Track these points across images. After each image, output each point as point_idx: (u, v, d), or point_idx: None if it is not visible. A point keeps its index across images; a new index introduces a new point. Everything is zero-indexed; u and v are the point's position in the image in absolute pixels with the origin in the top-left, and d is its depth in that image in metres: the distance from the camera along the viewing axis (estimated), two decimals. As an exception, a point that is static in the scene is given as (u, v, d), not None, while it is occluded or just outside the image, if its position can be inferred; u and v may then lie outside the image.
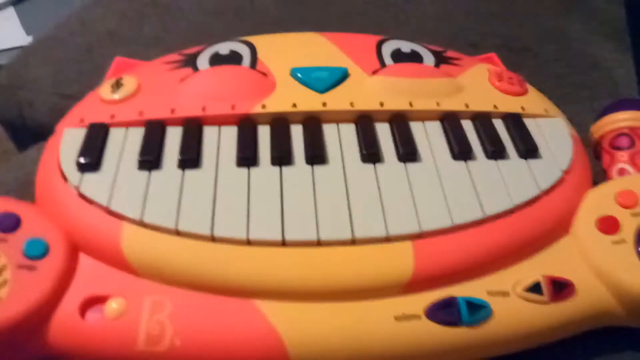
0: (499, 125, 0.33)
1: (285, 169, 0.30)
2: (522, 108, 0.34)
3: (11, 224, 0.28)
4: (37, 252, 0.27)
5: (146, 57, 0.39)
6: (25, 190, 0.32)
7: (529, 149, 0.32)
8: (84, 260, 0.28)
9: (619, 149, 0.34)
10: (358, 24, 0.50)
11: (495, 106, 0.34)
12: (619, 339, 0.30)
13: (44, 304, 0.26)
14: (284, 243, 0.27)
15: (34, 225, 0.28)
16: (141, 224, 0.27)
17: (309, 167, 0.30)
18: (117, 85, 0.33)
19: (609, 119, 0.35)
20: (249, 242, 0.27)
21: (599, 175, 0.35)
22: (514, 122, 0.33)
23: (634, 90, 0.45)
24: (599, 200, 0.30)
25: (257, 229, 0.27)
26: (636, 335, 0.30)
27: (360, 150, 0.31)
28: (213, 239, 0.27)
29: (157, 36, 0.48)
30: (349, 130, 0.32)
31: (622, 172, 0.33)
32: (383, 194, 0.29)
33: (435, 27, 0.50)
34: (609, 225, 0.29)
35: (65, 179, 0.29)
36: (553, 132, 0.33)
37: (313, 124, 0.32)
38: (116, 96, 0.33)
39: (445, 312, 0.26)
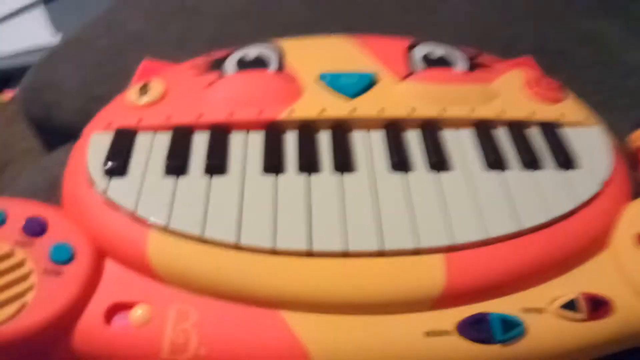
0: (535, 133, 0.32)
1: (312, 176, 0.30)
2: (560, 116, 0.33)
3: (37, 228, 0.28)
4: (63, 257, 0.27)
5: (173, 59, 0.39)
6: (52, 193, 0.32)
7: (566, 159, 0.30)
8: (110, 266, 0.28)
9: (660, 159, 0.33)
10: (388, 24, 0.49)
11: (531, 114, 0.33)
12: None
13: (70, 309, 0.26)
14: (310, 253, 0.27)
15: (60, 230, 0.28)
16: (167, 230, 0.27)
17: (337, 175, 0.30)
18: (144, 89, 0.33)
19: (650, 128, 0.34)
20: (275, 252, 0.27)
21: (639, 187, 0.33)
22: (551, 130, 0.32)
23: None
24: (638, 215, 0.29)
25: (283, 238, 0.27)
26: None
27: (390, 159, 0.30)
28: (239, 247, 0.27)
29: (184, 37, 0.47)
30: (378, 138, 0.32)
31: (664, 184, 0.32)
32: (413, 204, 0.28)
33: (467, 28, 0.48)
34: (650, 240, 0.28)
35: (91, 183, 0.29)
36: (591, 141, 0.32)
37: (341, 130, 0.32)
38: (143, 100, 0.33)
39: (477, 329, 0.25)
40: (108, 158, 0.30)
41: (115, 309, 0.26)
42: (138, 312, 0.26)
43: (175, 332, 0.25)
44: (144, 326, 0.26)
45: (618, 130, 0.37)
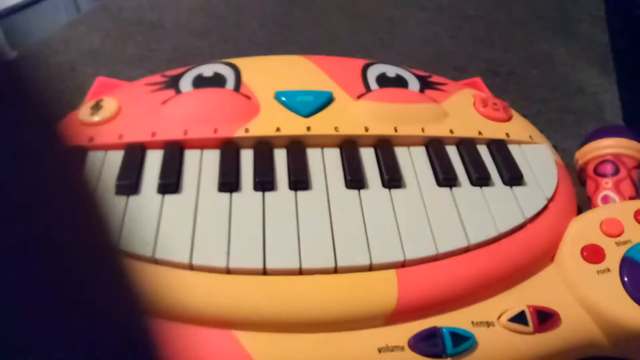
0: (483, 151, 0.33)
1: (267, 194, 0.30)
2: (507, 134, 0.34)
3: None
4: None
5: (129, 77, 0.38)
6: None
7: (513, 176, 0.31)
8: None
9: (603, 175, 0.34)
10: (344, 46, 0.50)
11: (480, 132, 0.34)
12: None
13: None
14: (264, 272, 0.27)
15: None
16: (120, 252, 0.26)
17: (292, 193, 0.30)
18: (97, 107, 0.33)
19: (594, 146, 0.35)
20: (228, 271, 0.26)
21: (584, 202, 0.35)
22: (499, 148, 0.33)
23: (619, 116, 0.45)
24: (583, 229, 0.30)
25: (237, 257, 0.27)
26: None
27: (345, 176, 0.31)
28: (192, 267, 0.26)
29: (141, 55, 0.47)
30: (333, 155, 0.32)
31: (606, 199, 0.33)
32: (367, 222, 0.29)
33: (421, 51, 0.50)
34: (593, 254, 0.29)
35: (40, 203, 0.28)
36: (538, 158, 0.33)
37: (297, 148, 0.32)
38: (95, 118, 0.32)
39: (429, 343, 0.26)
40: (57, 177, 0.29)
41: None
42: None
43: (125, 355, 0.25)
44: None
45: (565, 148, 0.38)
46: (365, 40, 0.51)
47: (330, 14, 0.55)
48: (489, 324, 0.27)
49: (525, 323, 0.27)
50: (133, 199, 0.29)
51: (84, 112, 0.33)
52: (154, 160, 0.30)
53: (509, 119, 0.36)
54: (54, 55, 0.47)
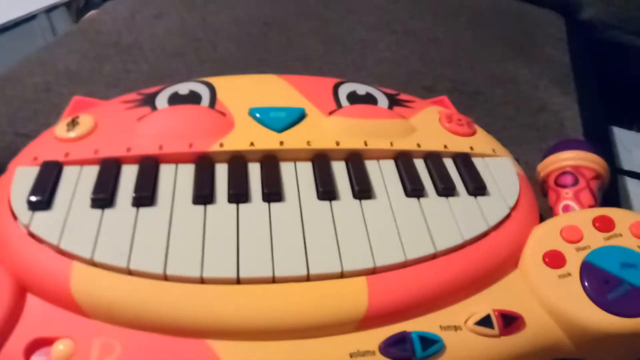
0: (449, 164, 0.35)
1: (241, 206, 0.30)
2: (471, 148, 0.36)
3: (-45, 263, 0.27)
4: (-18, 292, 0.26)
5: (106, 97, 0.39)
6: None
7: (477, 187, 0.33)
8: (32, 301, 0.27)
9: (563, 186, 0.36)
10: (317, 67, 0.52)
11: (445, 146, 0.35)
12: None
13: (-13, 346, 0.25)
14: (238, 281, 0.27)
15: (-21, 264, 0.27)
16: (92, 263, 0.27)
17: (265, 204, 0.31)
18: (73, 123, 0.33)
19: (554, 159, 0.37)
20: (202, 281, 0.27)
21: (547, 212, 0.36)
22: (463, 161, 0.35)
23: (579, 131, 0.48)
24: (544, 236, 0.32)
25: (211, 266, 0.27)
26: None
27: (317, 188, 0.32)
28: (166, 277, 0.27)
29: (117, 76, 0.48)
30: (305, 169, 0.33)
31: (567, 208, 0.35)
32: (338, 231, 0.30)
33: (391, 71, 0.52)
34: (554, 259, 0.30)
35: (15, 217, 0.29)
36: (500, 170, 0.35)
37: (270, 162, 0.33)
38: (71, 134, 0.33)
39: (399, 348, 0.27)
40: (32, 192, 0.29)
41: (36, 345, 0.25)
42: (59, 347, 0.25)
43: (98, 366, 0.25)
44: (66, 361, 0.25)
45: (528, 161, 0.40)
46: (338, 62, 0.53)
47: (305, 37, 0.57)
48: (456, 328, 0.28)
49: (491, 326, 0.28)
50: (108, 212, 0.29)
51: (60, 128, 0.33)
52: (129, 175, 0.31)
53: (473, 133, 0.37)
54: (29, 76, 0.48)
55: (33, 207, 0.29)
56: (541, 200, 0.37)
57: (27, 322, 0.26)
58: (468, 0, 0.66)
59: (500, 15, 0.64)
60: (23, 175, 0.30)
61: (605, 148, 0.56)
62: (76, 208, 0.29)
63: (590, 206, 0.34)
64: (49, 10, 0.87)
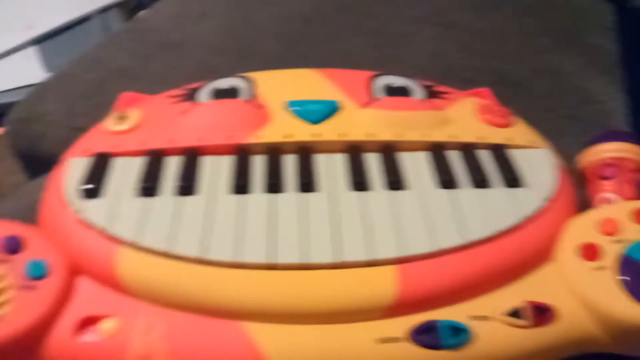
0: (484, 155, 0.34)
1: (277, 196, 0.32)
2: (508, 139, 0.36)
3: (15, 246, 0.29)
4: (38, 273, 0.28)
5: (153, 93, 0.41)
6: (32, 216, 0.34)
7: (512, 178, 0.33)
8: (83, 282, 0.29)
9: (604, 178, 0.35)
10: (357, 61, 0.52)
11: (481, 137, 0.35)
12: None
13: (43, 322, 0.27)
14: (272, 266, 0.28)
15: (36, 247, 0.29)
16: (136, 247, 0.29)
17: (300, 194, 0.32)
18: (122, 118, 0.36)
19: (595, 150, 0.36)
20: (238, 265, 0.28)
21: (588, 204, 0.35)
22: (499, 152, 0.34)
23: (625, 123, 0.46)
24: (581, 228, 0.31)
25: (246, 252, 0.29)
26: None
27: (350, 179, 0.32)
28: (204, 262, 0.28)
29: (164, 73, 0.50)
30: (340, 160, 0.34)
31: (606, 201, 0.34)
32: (369, 221, 0.30)
33: (432, 64, 0.52)
34: (590, 252, 0.30)
35: (67, 204, 0.31)
36: (538, 162, 0.34)
37: (306, 153, 0.34)
38: (120, 128, 0.35)
39: (426, 336, 0.27)
40: (83, 181, 0.32)
41: (85, 323, 0.28)
42: (106, 325, 0.27)
43: (141, 344, 0.27)
44: (112, 338, 0.27)
45: (571, 154, 0.39)
46: (378, 55, 0.53)
47: (345, 31, 0.57)
48: (486, 318, 0.28)
49: (521, 317, 0.28)
50: (153, 200, 0.31)
51: (109, 122, 0.36)
52: (172, 165, 0.33)
53: (510, 124, 0.37)
54: (84, 74, 0.50)
55: (84, 195, 0.31)
56: (582, 192, 0.36)
57: (78, 302, 0.28)
58: (513, -10, 0.64)
59: (546, 5, 0.62)
60: (75, 166, 0.33)
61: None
62: (123, 196, 0.31)
63: (631, 199, 0.34)
64: (103, 10, 0.92)
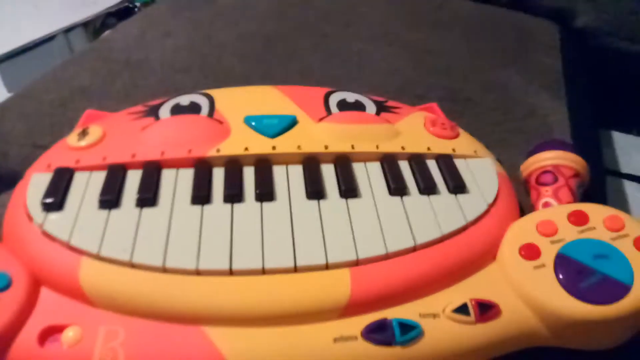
0: (432, 164, 0.37)
1: (236, 206, 0.33)
2: (453, 150, 0.38)
3: (-24, 259, 0.30)
4: (1, 284, 0.29)
5: (116, 111, 0.42)
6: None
7: (457, 185, 0.35)
8: (45, 293, 0.30)
9: (543, 184, 0.38)
10: (316, 79, 0.55)
11: (428, 148, 0.38)
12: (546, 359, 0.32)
13: (5, 333, 0.28)
14: (231, 272, 0.30)
15: (-2, 260, 0.30)
16: (98, 257, 0.30)
17: (258, 204, 0.33)
18: (84, 133, 0.36)
19: (535, 159, 0.39)
20: (198, 273, 0.29)
21: (530, 210, 0.38)
22: (445, 162, 0.37)
23: (567, 134, 0.49)
24: (521, 230, 0.33)
25: (205, 259, 0.30)
26: (561, 354, 0.32)
27: (306, 188, 0.34)
28: (165, 270, 0.29)
29: (127, 92, 0.51)
30: (296, 171, 0.35)
31: (546, 205, 0.37)
32: (324, 227, 0.32)
33: (386, 81, 0.54)
34: (530, 251, 0.32)
35: (30, 218, 0.32)
36: (481, 170, 0.37)
37: (263, 165, 0.35)
38: (82, 143, 0.36)
39: (379, 333, 0.29)
40: (46, 195, 0.32)
41: (48, 332, 0.28)
42: (69, 334, 0.28)
43: (104, 351, 0.27)
44: (74, 346, 0.28)
45: (516, 164, 0.42)
46: (335, 73, 0.56)
47: (305, 51, 0.59)
48: (435, 315, 0.30)
49: (467, 314, 0.30)
50: (114, 212, 0.32)
51: (71, 138, 0.36)
52: (134, 179, 0.34)
53: (456, 136, 0.39)
54: (46, 93, 0.51)
55: (46, 208, 0.32)
56: (526, 198, 0.38)
57: (41, 312, 0.29)
58: (464, 12, 0.68)
59: (495, 26, 0.66)
60: (38, 181, 0.34)
61: (593, 150, 0.58)
62: (85, 209, 0.32)
63: (569, 203, 0.36)
64: (67, 30, 0.92)
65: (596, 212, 0.33)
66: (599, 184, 0.50)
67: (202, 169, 0.35)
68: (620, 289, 0.30)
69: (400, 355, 0.28)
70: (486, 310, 0.30)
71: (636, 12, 0.69)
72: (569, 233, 0.33)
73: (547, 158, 0.38)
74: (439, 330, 0.29)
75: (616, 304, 0.30)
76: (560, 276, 0.31)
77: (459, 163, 0.37)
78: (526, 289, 0.31)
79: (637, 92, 0.74)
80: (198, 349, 0.28)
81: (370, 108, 0.40)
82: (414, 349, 0.29)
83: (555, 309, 0.30)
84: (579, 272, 0.31)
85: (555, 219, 0.33)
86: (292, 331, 0.29)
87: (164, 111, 0.39)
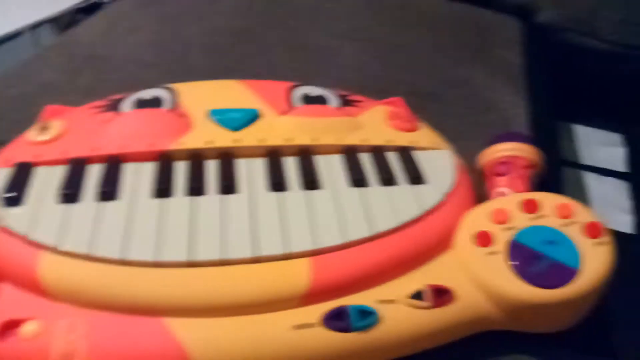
0: (392, 156, 0.38)
1: (198, 198, 0.33)
2: (413, 142, 0.39)
3: None
4: (-42, 281, 0.29)
5: (80, 106, 0.42)
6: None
7: (415, 176, 0.36)
8: (5, 287, 0.30)
9: (499, 174, 0.39)
10: (282, 74, 0.55)
11: (389, 141, 0.39)
12: (500, 342, 0.33)
13: (-37, 329, 0.27)
14: (191, 264, 0.30)
15: (-45, 257, 0.30)
16: (57, 251, 0.30)
17: (220, 196, 0.33)
18: (44, 128, 0.36)
19: (491, 150, 0.40)
20: (159, 264, 0.30)
21: (488, 198, 0.39)
22: (404, 154, 0.38)
23: (524, 128, 0.51)
24: (476, 218, 0.35)
25: (167, 251, 0.30)
26: (515, 337, 0.33)
27: (269, 180, 0.35)
28: (125, 262, 0.30)
29: (92, 87, 0.51)
30: (259, 164, 0.36)
31: (501, 194, 0.38)
32: (285, 218, 0.32)
33: (351, 76, 0.55)
34: (483, 239, 0.33)
35: (-12, 213, 0.31)
36: (439, 161, 0.38)
37: (227, 158, 0.36)
38: (42, 138, 0.36)
39: (337, 320, 0.29)
40: (5, 189, 0.32)
41: (7, 326, 0.28)
42: (27, 328, 0.28)
43: (63, 344, 0.28)
44: (34, 340, 0.28)
45: (474, 155, 0.43)
46: (302, 68, 0.56)
47: (272, 46, 0.60)
48: (392, 302, 0.31)
49: (423, 299, 0.31)
50: (74, 206, 0.32)
51: (31, 133, 0.36)
52: (94, 173, 0.34)
53: (415, 129, 0.40)
54: (7, 89, 0.50)
55: (6, 203, 0.32)
56: (484, 189, 0.40)
57: (0, 307, 0.29)
58: (429, 9, 0.69)
59: (458, 22, 0.67)
60: (-3, 176, 0.33)
61: (550, 142, 0.59)
62: (45, 203, 0.32)
63: (522, 192, 0.37)
64: (34, 27, 0.90)
65: (547, 200, 0.35)
66: (555, 175, 0.51)
67: (164, 162, 0.35)
68: (568, 273, 0.31)
69: (358, 341, 0.29)
70: (441, 295, 0.31)
71: (596, 9, 0.71)
72: (521, 220, 0.34)
73: (503, 149, 0.40)
74: (396, 316, 0.30)
75: (564, 287, 0.31)
76: (512, 262, 0.32)
77: (418, 155, 0.38)
78: (480, 274, 0.32)
79: (597, 87, 0.76)
80: (158, 341, 0.28)
81: (334, 102, 0.41)
82: (371, 334, 0.29)
83: (507, 293, 0.31)
84: (530, 258, 0.32)
85: (508, 207, 0.35)
86: (253, 320, 0.29)
87: (126, 105, 0.39)
